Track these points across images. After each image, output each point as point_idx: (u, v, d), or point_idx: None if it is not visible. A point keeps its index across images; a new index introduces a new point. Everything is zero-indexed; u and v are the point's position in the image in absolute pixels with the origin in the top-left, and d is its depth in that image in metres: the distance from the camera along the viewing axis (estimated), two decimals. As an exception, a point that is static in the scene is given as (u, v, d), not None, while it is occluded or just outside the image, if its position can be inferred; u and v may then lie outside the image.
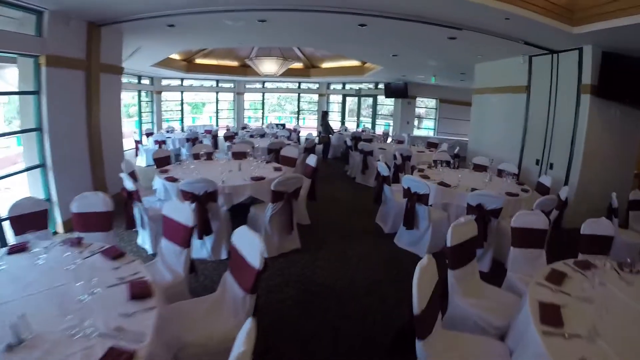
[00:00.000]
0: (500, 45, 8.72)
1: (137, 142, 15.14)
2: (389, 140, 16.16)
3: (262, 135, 14.55)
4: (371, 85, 22.37)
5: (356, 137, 14.95)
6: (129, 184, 5.89)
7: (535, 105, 9.87)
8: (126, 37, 9.24)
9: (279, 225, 6.33)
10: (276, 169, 7.58)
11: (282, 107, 32.02)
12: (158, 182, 6.79)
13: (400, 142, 14.38)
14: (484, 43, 8.75)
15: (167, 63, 16.34)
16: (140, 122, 19.52)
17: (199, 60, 19.10)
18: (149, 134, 16.13)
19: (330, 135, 14.76)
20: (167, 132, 16.51)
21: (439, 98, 21.14)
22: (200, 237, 5.93)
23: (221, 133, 16.90)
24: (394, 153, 10.42)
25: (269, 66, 14.90)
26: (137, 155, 15.04)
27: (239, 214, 6.52)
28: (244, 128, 19.12)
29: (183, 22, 8.15)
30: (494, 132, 11.63)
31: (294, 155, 9.21)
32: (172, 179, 6.51)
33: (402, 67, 14.96)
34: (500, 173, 8.52)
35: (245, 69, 20.14)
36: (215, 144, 15.06)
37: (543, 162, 9.59)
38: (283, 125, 20.75)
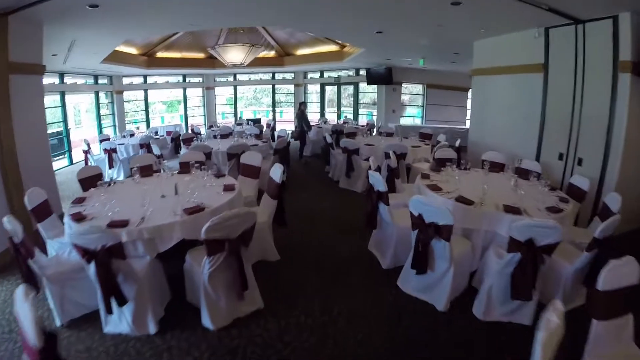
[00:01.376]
0: (512, 12, 6.91)
1: (86, 152, 12.67)
2: (375, 132, 14.05)
3: (227, 135, 12.27)
4: (351, 72, 20.20)
5: (337, 131, 12.89)
6: (14, 231, 3.81)
7: (555, 87, 7.98)
8: (49, 28, 7.41)
9: (224, 284, 4.11)
10: (227, 189, 5.33)
11: (259, 100, 29.91)
12: (66, 220, 4.56)
13: (390, 134, 12.19)
14: (494, 10, 7.08)
15: (123, 59, 14.64)
16: (99, 127, 17.57)
17: (160, 54, 17.05)
18: (103, 140, 13.74)
19: (307, 130, 12.57)
20: (124, 136, 14.37)
21: (426, 83, 19.07)
22: (109, 311, 3.84)
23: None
24: (386, 151, 8.40)
25: (234, 54, 12.85)
26: (86, 163, 12.62)
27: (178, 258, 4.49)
28: (210, 127, 16.82)
29: (107, -1, 6.16)
30: (501, 119, 9.70)
31: (256, 163, 7.04)
32: (79, 217, 4.37)
33: (387, 48, 12.77)
34: (525, 174, 6.50)
35: (213, 61, 17.96)
36: (176, 148, 12.78)
37: (568, 157, 7.70)
38: (257, 121, 18.54)
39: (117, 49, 13.72)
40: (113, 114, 18.57)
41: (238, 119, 21.57)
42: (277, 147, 9.50)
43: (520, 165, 7.12)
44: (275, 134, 14.70)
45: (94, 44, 10.32)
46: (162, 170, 6.77)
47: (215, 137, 12.07)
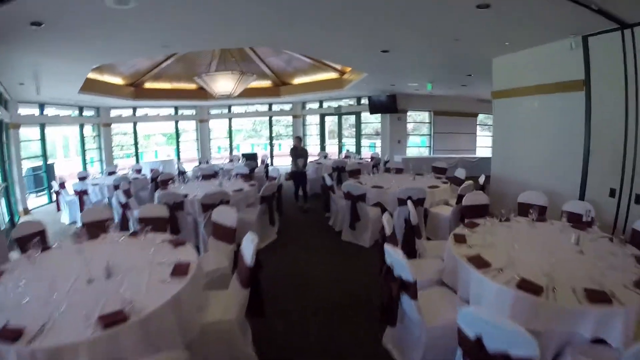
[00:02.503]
0: (548, 16, 5.72)
1: (57, 193, 11.14)
2: (382, 168, 12.34)
3: (211, 176, 10.57)
4: (352, 101, 18.64)
5: (339, 168, 11.26)
6: None
7: (601, 107, 6.57)
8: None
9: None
10: (178, 272, 3.49)
11: (258, 132, 28.45)
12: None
13: (399, 170, 10.32)
14: (527, 14, 5.68)
15: (107, 89, 13.63)
16: (84, 161, 16.10)
17: (149, 85, 15.72)
18: (82, 178, 12.08)
19: (300, 169, 10.75)
20: (109, 173, 12.78)
21: (433, 110, 17.45)
22: None
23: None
24: (400, 197, 6.86)
25: (222, 83, 11.28)
26: (59, 209, 11.15)
27: None
28: (201, 164, 15.23)
29: (51, 15, 5.13)
30: (532, 149, 8.09)
31: (230, 222, 5.13)
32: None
33: (392, 72, 11.16)
34: (577, 220, 5.05)
35: (206, 92, 16.25)
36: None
37: (623, 193, 6.20)
38: (253, 156, 16.85)
39: (100, 78, 12.95)
40: (100, 148, 17.21)
41: (231, 154, 19.77)
42: (264, 193, 7.74)
43: (565, 208, 5.49)
44: (275, 170, 12.93)
45: (60, 71, 8.85)
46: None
47: (198, 177, 10.39)
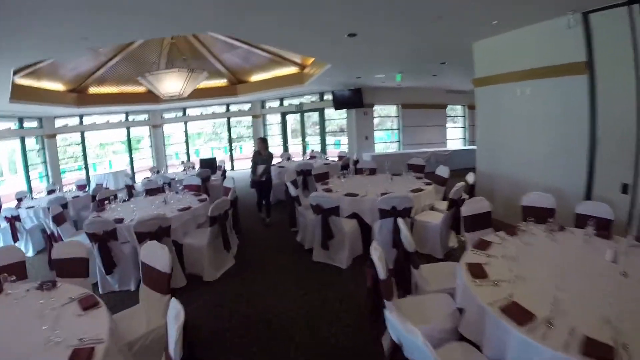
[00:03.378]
0: None
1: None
2: (351, 167, 10.99)
3: (158, 191, 9.07)
4: (315, 98, 17.37)
5: (304, 172, 9.93)
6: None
7: (609, 92, 5.68)
8: None
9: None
10: None
11: (219, 135, 26.97)
12: None
13: (372, 170, 8.83)
14: None
15: (45, 97, 12.14)
16: (27, 179, 14.60)
17: (94, 90, 14.19)
18: (19, 199, 10.64)
19: (261, 178, 9.24)
20: (51, 191, 11.27)
21: (401, 103, 16.34)
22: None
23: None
24: (382, 206, 5.70)
25: (169, 83, 9.91)
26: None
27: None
28: (157, 172, 13.77)
29: None
30: (525, 142, 7.11)
31: (162, 266, 3.63)
32: None
33: (358, 62, 9.95)
34: (603, 227, 4.06)
35: (157, 96, 14.95)
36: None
37: (638, 188, 5.37)
38: (211, 161, 15.38)
39: (37, 85, 11.61)
40: (45, 162, 15.61)
41: (186, 160, 17.72)
42: (213, 213, 6.03)
43: (580, 211, 4.51)
44: (234, 175, 11.64)
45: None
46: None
47: (145, 192, 9.01)
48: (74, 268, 4.03)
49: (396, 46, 8.20)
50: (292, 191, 7.17)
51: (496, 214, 4.99)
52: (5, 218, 8.90)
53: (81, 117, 16.49)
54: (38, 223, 8.95)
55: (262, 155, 8.62)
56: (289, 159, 13.95)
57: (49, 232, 6.33)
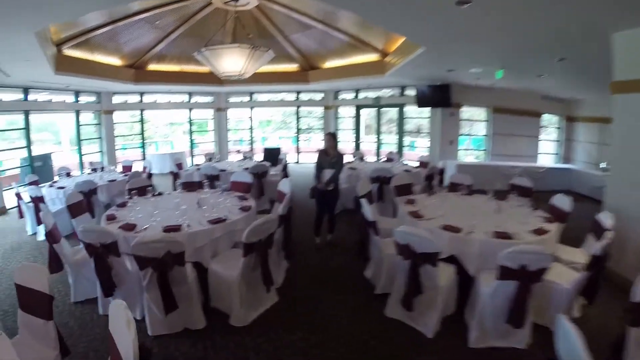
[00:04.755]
0: None
1: (18, 196, 8.43)
2: (445, 183, 8.80)
3: (195, 187, 7.36)
4: (393, 92, 15.23)
5: (380, 179, 8.05)
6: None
7: None
8: None
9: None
10: None
11: (288, 124, 25.52)
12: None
13: (470, 190, 6.61)
14: None
15: (101, 71, 11.31)
16: (80, 154, 14.09)
17: (153, 67, 13.15)
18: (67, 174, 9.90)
19: (328, 187, 7.23)
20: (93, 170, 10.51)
21: (491, 106, 13.88)
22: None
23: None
24: (507, 263, 3.61)
25: (229, 61, 8.38)
26: (21, 216, 8.49)
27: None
28: (209, 159, 12.19)
29: None
30: None
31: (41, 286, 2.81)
32: None
33: (458, 47, 7.72)
34: None
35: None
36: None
37: None
38: (274, 151, 13.74)
39: (89, 57, 10.62)
40: (101, 138, 15.08)
41: (251, 149, 16.26)
42: (249, 238, 4.12)
43: None
44: (296, 169, 10.07)
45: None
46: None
47: (182, 185, 7.49)
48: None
49: (508, 28, 6.06)
50: (368, 213, 5.12)
51: (626, 270, 3.75)
52: (31, 198, 7.89)
53: (141, 94, 15.66)
54: (61, 206, 7.71)
55: (329, 156, 6.76)
56: (362, 158, 11.97)
57: (47, 229, 4.89)
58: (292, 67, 13.90)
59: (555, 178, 11.76)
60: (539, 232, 4.53)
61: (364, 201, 5.33)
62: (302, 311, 4.72)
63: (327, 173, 6.56)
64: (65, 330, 4.28)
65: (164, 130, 24.99)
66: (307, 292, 5.21)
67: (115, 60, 11.82)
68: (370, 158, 12.68)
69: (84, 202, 6.76)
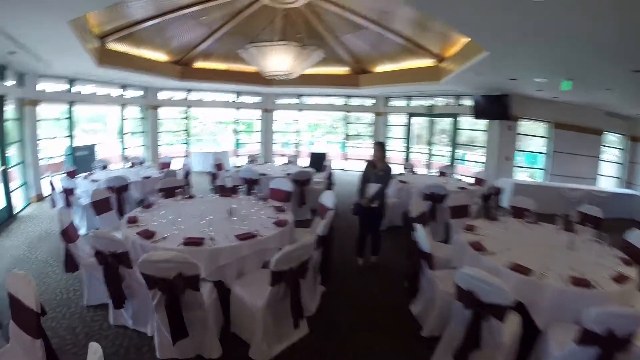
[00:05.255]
0: None
1: (52, 185, 8.15)
2: (505, 205, 7.89)
3: (230, 192, 6.66)
4: (446, 101, 14.32)
5: (434, 196, 7.24)
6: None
7: None
8: None
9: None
10: None
11: (336, 129, 24.92)
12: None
13: (532, 217, 5.63)
14: None
15: (147, 66, 11.18)
16: (122, 147, 14.02)
17: (199, 64, 12.96)
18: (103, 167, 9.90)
19: (372, 203, 6.51)
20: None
21: (553, 120, 12.75)
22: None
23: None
24: (590, 327, 2.85)
25: (275, 59, 7.97)
26: (53, 206, 8.24)
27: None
28: (251, 161, 11.75)
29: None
30: None
31: (29, 302, 2.58)
32: None
33: (526, 52, 6.84)
34: None
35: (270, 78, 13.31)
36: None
37: None
38: (320, 157, 13.17)
39: (135, 52, 10.58)
40: (146, 132, 15.12)
41: (297, 153, 16.22)
42: (278, 266, 3.52)
43: None
44: (342, 178, 9.50)
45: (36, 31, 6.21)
46: None
47: (215, 189, 7.02)
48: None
49: (586, 30, 5.18)
50: (424, 243, 4.33)
51: None
52: (63, 189, 7.61)
53: (188, 91, 15.53)
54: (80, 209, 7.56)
55: (376, 168, 5.98)
56: (412, 171, 11.01)
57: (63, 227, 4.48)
58: (342, 70, 13.30)
59: (617, 204, 10.56)
60: (620, 279, 3.70)
61: (418, 227, 4.54)
62: (333, 349, 4.05)
63: (373, 187, 5.84)
64: (71, 337, 4.07)
65: (212, 128, 24.87)
66: (342, 325, 4.51)
67: (161, 56, 11.66)
68: (421, 170, 11.74)
69: (111, 199, 6.42)
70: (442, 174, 10.34)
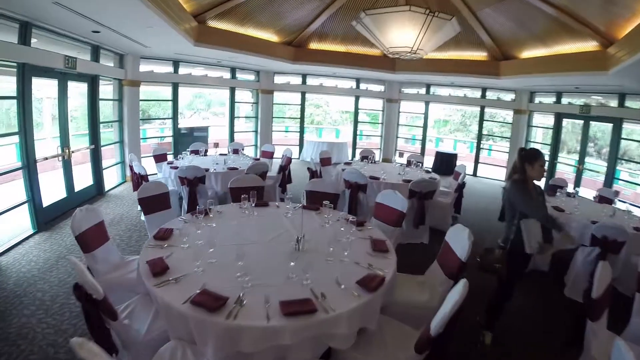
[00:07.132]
0: None
1: (132, 169, 7.33)
2: None
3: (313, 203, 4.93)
4: (612, 100, 10.76)
5: (607, 243, 4.71)
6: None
7: None
8: None
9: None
10: None
11: (468, 127, 22.51)
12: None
13: None
14: None
15: (249, 46, 10.14)
16: (231, 131, 13.43)
17: (314, 45, 11.79)
18: (194, 152, 9.19)
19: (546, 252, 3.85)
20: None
21: None
22: None
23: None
24: None
25: (396, 31, 6.21)
26: (135, 189, 7.35)
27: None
28: (364, 158, 9.42)
29: None
30: None
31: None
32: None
33: None
34: None
35: (394, 61, 11.56)
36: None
37: None
38: (450, 158, 11.07)
39: (240, 30, 9.90)
40: (256, 117, 14.39)
41: (423, 152, 14.14)
42: None
43: None
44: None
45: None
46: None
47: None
48: None
49: None
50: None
51: None
52: (132, 173, 7.26)
53: (304, 75, 14.35)
54: (175, 188, 6.81)
55: (519, 187, 3.73)
56: (570, 194, 7.31)
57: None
58: (479, 55, 10.90)
59: None
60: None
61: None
62: None
63: (534, 226, 3.65)
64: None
65: (335, 116, 23.65)
66: None
67: (270, 36, 10.77)
68: (562, 180, 8.49)
69: (165, 196, 4.98)
70: (601, 199, 7.32)
